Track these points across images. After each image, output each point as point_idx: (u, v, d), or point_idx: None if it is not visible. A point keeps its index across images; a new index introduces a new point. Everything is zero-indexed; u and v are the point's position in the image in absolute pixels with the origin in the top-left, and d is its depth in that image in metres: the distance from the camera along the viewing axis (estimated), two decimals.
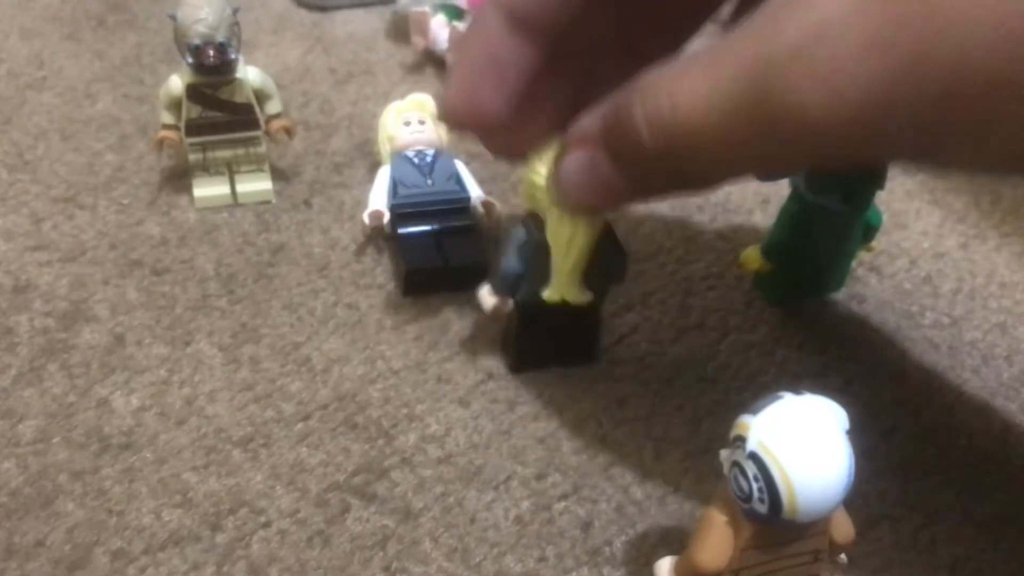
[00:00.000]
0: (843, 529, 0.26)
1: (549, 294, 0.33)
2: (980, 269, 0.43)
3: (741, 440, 0.24)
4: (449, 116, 0.29)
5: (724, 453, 0.25)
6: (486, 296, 0.35)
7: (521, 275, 0.34)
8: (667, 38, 0.31)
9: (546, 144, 0.29)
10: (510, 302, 0.35)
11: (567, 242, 0.32)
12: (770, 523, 0.24)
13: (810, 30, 0.21)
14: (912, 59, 0.20)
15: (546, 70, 0.28)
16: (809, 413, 0.24)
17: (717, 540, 0.25)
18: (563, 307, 0.34)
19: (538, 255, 0.33)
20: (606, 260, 0.33)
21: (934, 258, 0.43)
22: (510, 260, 0.34)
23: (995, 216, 0.46)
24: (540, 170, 0.31)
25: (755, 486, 0.23)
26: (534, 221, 0.33)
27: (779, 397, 0.24)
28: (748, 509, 0.24)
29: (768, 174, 0.36)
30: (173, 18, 0.38)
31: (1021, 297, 0.41)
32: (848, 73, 0.20)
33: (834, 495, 0.23)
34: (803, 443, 0.23)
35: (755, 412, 0.24)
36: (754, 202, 0.45)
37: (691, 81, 0.23)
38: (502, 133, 0.29)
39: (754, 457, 0.23)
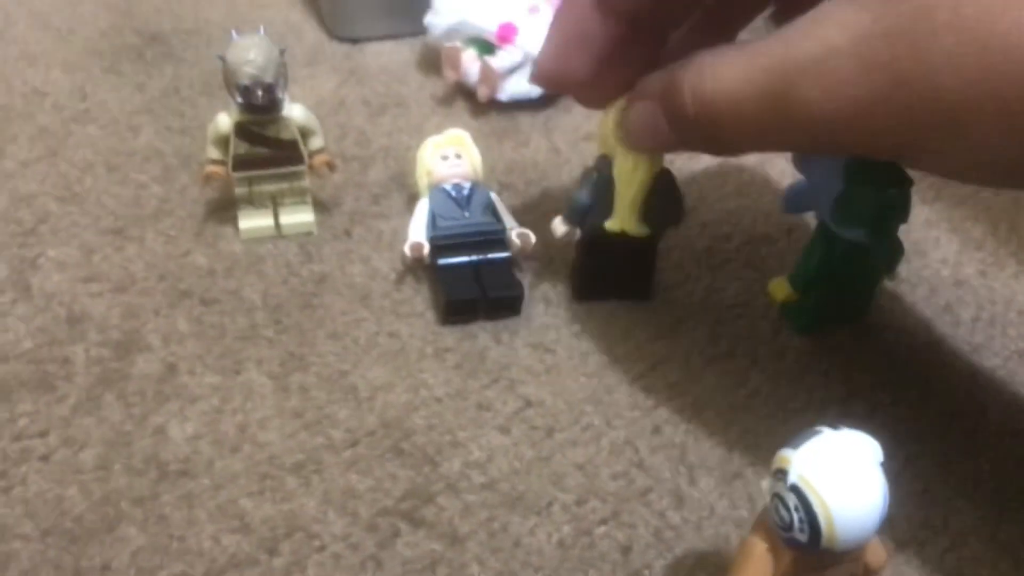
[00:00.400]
0: (877, 554, 0.27)
1: (611, 224, 0.39)
2: (999, 296, 0.44)
3: (782, 473, 0.25)
4: (542, 78, 0.37)
5: (765, 484, 0.26)
6: (558, 225, 0.40)
7: (589, 207, 0.39)
8: (730, 23, 0.38)
9: (622, 97, 0.36)
10: (577, 232, 0.40)
11: (629, 176, 0.38)
12: (809, 551, 0.25)
13: (825, 47, 0.27)
14: (896, 83, 0.26)
15: (626, 39, 0.35)
16: (847, 447, 0.25)
17: (758, 567, 0.26)
18: (622, 238, 0.39)
19: (605, 190, 0.39)
20: (663, 202, 0.39)
21: (954, 286, 0.44)
22: (581, 193, 0.40)
23: (1012, 243, 0.47)
24: (613, 117, 0.37)
25: (796, 516, 0.25)
26: (605, 162, 0.39)
27: (818, 432, 0.25)
28: (788, 538, 0.25)
29: (791, 203, 0.39)
30: (222, 59, 0.40)
31: None
32: (848, 86, 0.26)
33: (871, 525, 0.25)
34: (842, 476, 0.24)
35: (795, 446, 0.25)
36: (779, 232, 0.46)
37: (730, 66, 0.30)
38: (586, 89, 0.37)
39: (795, 489, 0.25)
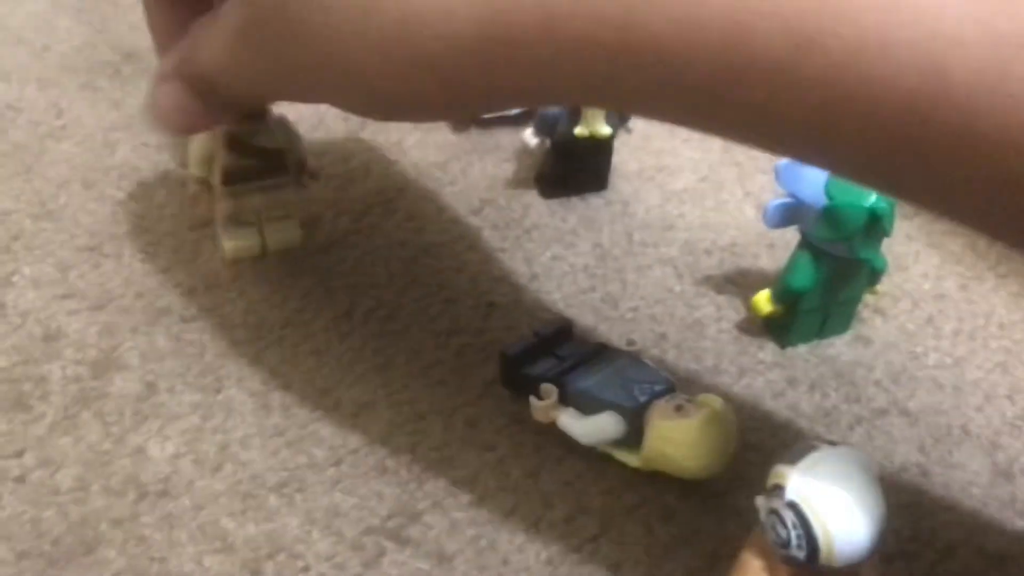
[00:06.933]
0: (871, 569, 0.27)
1: (580, 130, 0.45)
2: (979, 310, 0.44)
3: (779, 489, 0.25)
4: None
5: (760, 500, 0.26)
6: (529, 137, 0.45)
7: (558, 117, 0.45)
8: None
9: None
10: (547, 141, 0.46)
11: None
12: (807, 568, 0.25)
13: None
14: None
15: None
16: (844, 463, 0.25)
17: None
18: (588, 140, 0.45)
19: None
20: None
21: (935, 299, 0.45)
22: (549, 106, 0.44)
23: (991, 258, 0.47)
24: None
25: (793, 534, 0.25)
26: None
27: (815, 447, 0.25)
28: (785, 555, 0.25)
29: (774, 218, 0.38)
30: None
31: (1020, 337, 0.43)
32: (230, 40, 0.31)
33: (869, 542, 0.25)
34: (840, 493, 0.24)
35: (792, 462, 0.25)
36: (759, 246, 0.46)
37: (207, 28, 0.32)
38: None
39: (793, 506, 0.24)
